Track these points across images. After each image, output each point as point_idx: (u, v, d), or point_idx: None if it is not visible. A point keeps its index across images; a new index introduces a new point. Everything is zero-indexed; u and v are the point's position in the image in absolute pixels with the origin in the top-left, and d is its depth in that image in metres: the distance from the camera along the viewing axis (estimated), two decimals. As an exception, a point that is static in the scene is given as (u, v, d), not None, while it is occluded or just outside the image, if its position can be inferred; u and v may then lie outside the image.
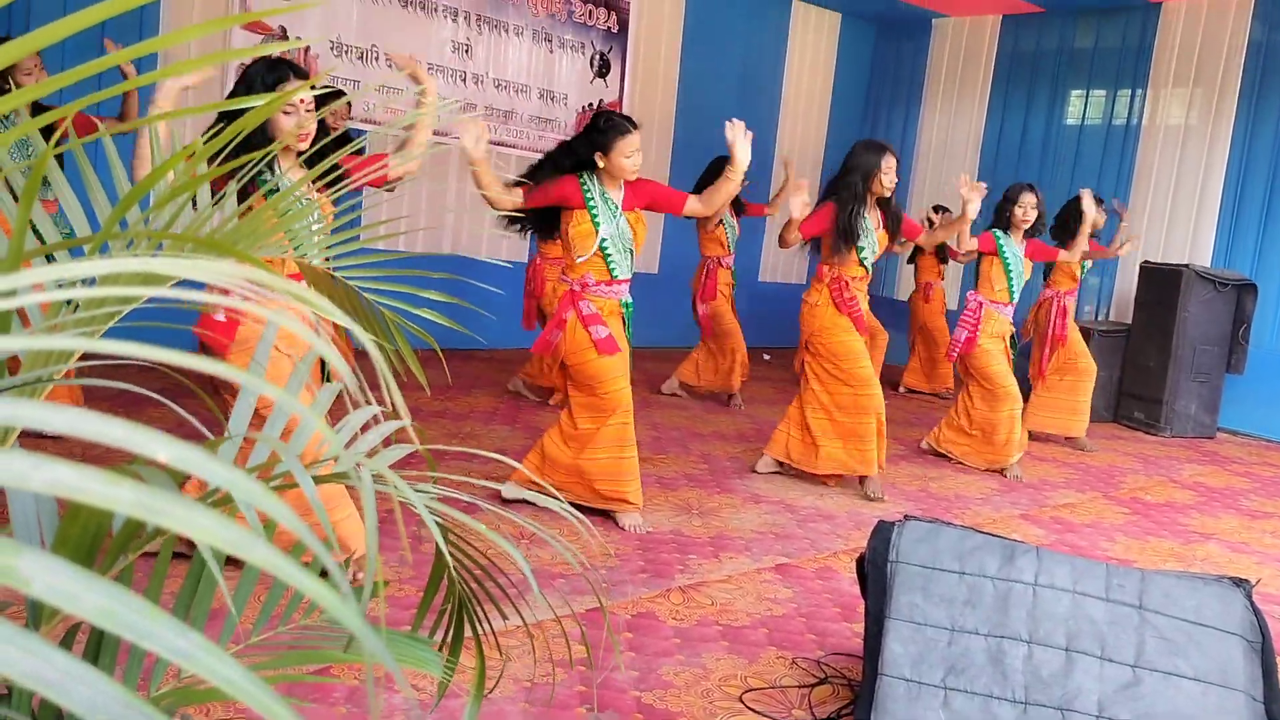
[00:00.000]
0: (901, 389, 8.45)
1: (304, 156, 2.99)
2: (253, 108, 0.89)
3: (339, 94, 5.12)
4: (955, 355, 5.71)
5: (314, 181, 1.28)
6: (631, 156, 3.91)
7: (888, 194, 4.82)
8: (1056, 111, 9.36)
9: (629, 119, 3.99)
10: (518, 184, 3.98)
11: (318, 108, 3.44)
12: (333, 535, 0.76)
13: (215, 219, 1.06)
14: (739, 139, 3.99)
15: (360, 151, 3.95)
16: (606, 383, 4.03)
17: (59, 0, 5.61)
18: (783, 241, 4.84)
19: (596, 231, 3.95)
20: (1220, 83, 8.27)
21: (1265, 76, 8.02)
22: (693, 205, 4.18)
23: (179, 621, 0.32)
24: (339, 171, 1.28)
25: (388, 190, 3.45)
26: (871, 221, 4.85)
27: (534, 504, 4.00)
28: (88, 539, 0.71)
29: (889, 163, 4.76)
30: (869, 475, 4.94)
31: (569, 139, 4.17)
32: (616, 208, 4.00)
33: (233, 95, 3.03)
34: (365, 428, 1.12)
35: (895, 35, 10.57)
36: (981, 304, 5.64)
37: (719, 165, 6.68)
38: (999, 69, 9.77)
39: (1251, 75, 8.08)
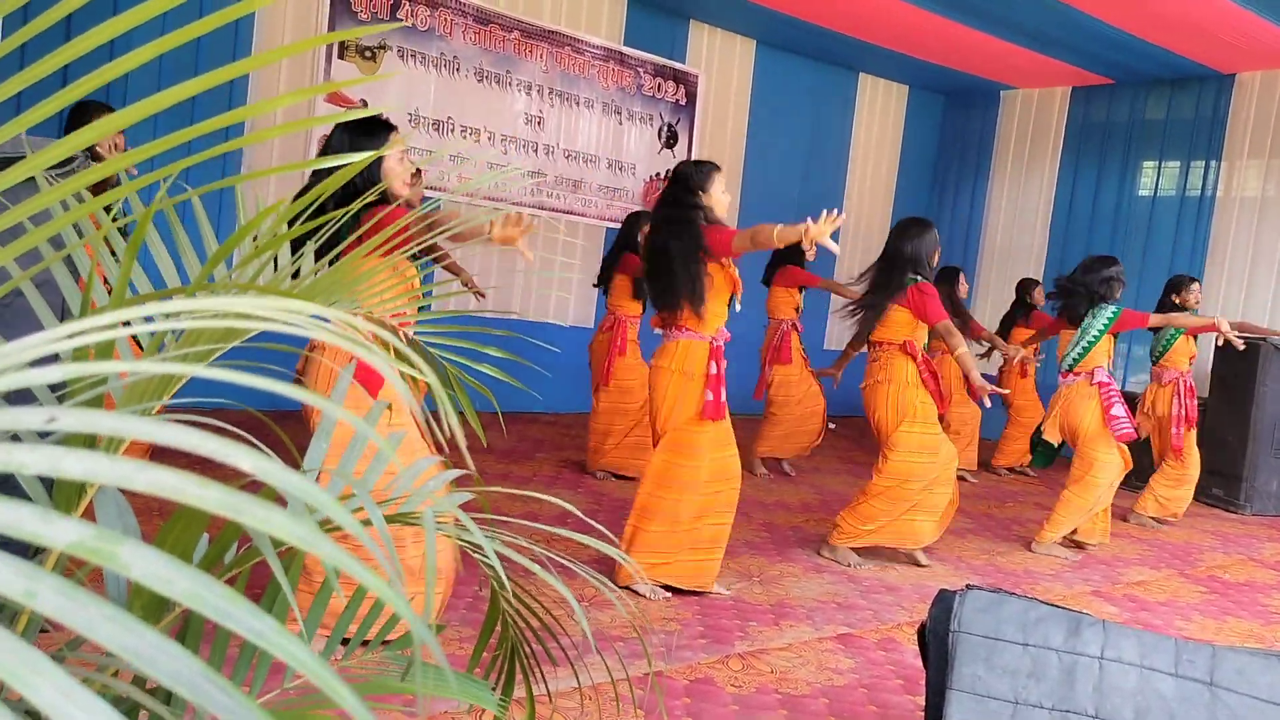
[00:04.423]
0: (1003, 471, 8.11)
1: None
2: (340, 167, 0.96)
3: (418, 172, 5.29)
4: (1135, 435, 5.41)
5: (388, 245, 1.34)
6: (726, 191, 4.00)
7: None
8: (1128, 183, 9.28)
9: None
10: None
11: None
12: (399, 567, 0.80)
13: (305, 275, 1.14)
14: (825, 227, 3.43)
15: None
16: (700, 453, 3.98)
17: (154, 73, 5.91)
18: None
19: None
20: (1298, 154, 8.16)
21: (1344, 148, 7.90)
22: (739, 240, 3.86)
23: (256, 606, 0.37)
24: (413, 236, 1.35)
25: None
26: None
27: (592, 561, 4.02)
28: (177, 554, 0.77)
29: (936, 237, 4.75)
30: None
31: (672, 209, 3.96)
32: None
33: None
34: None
35: (963, 106, 10.61)
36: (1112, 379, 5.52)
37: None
38: (1069, 140, 9.74)
39: (1330, 147, 7.97)
